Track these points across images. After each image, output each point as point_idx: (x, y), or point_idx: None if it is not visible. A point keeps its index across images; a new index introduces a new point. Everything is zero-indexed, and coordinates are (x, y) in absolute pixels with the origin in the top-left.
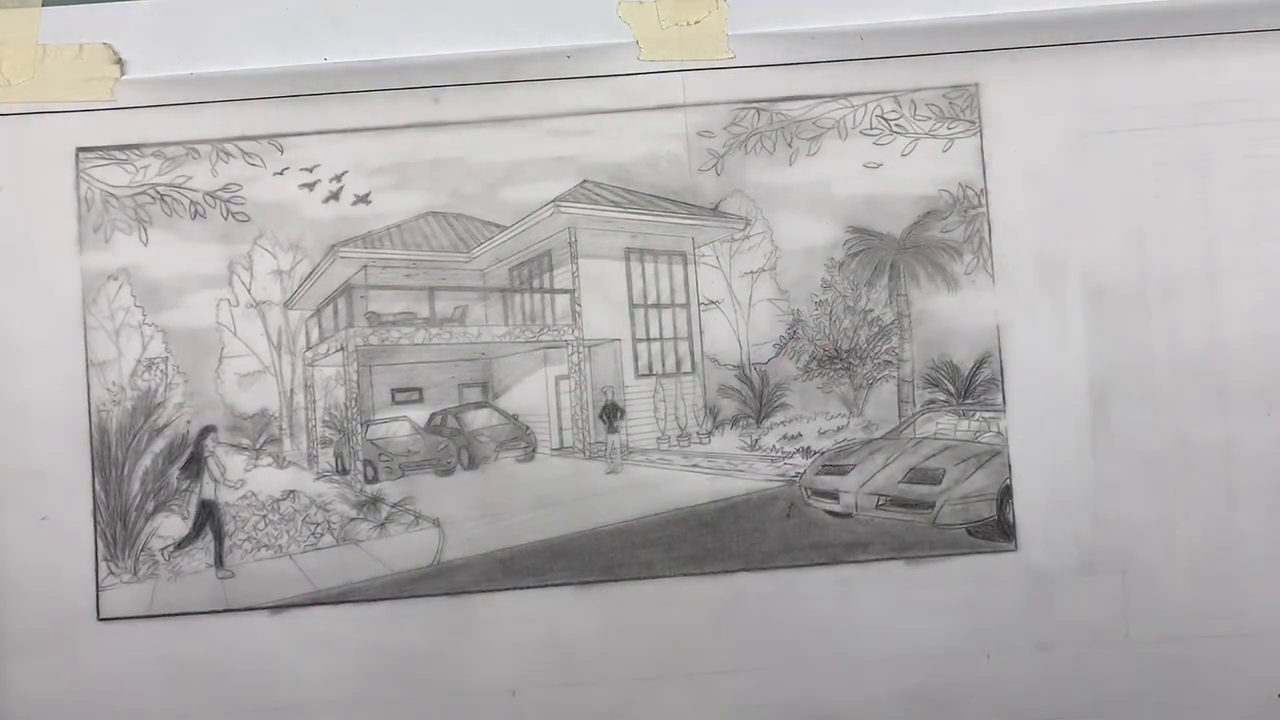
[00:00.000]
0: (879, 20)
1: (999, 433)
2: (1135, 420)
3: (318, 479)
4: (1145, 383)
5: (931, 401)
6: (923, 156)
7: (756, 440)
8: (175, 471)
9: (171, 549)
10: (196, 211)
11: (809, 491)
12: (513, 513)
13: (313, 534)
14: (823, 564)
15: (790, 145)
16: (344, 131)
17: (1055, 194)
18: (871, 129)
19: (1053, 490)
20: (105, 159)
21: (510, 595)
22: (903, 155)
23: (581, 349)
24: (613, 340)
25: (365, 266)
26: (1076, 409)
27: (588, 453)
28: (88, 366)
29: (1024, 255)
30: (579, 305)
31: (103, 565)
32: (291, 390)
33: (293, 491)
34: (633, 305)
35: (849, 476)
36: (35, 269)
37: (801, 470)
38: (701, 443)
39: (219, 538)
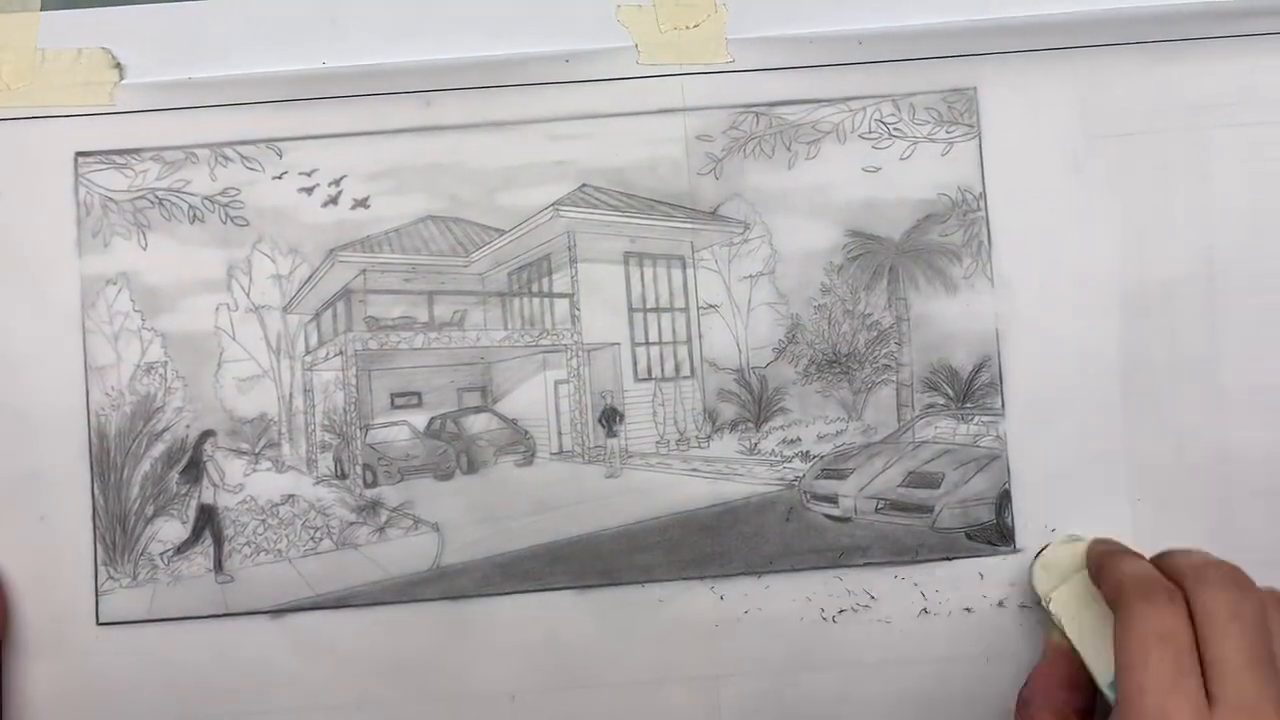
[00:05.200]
0: (877, 24)
1: (998, 437)
2: (1135, 423)
3: (317, 483)
4: (1145, 386)
5: (930, 405)
6: (922, 160)
7: (755, 444)
8: (174, 476)
9: (171, 553)
10: (195, 216)
11: (808, 495)
12: (512, 517)
13: (312, 538)
14: (822, 567)
15: (789, 149)
16: (342, 136)
17: (1054, 197)
18: (870, 133)
19: (1052, 494)
20: (104, 163)
21: (509, 599)
22: (902, 159)
23: (580, 353)
24: (612, 344)
25: (364, 271)
26: (1076, 412)
27: (587, 457)
28: (86, 371)
29: (1023, 259)
30: (578, 309)
31: (102, 569)
32: (290, 395)
33: (292, 496)
34: (632, 309)
35: (848, 481)
36: (34, 274)
37: (801, 474)
38: (700, 447)
39: (218, 542)
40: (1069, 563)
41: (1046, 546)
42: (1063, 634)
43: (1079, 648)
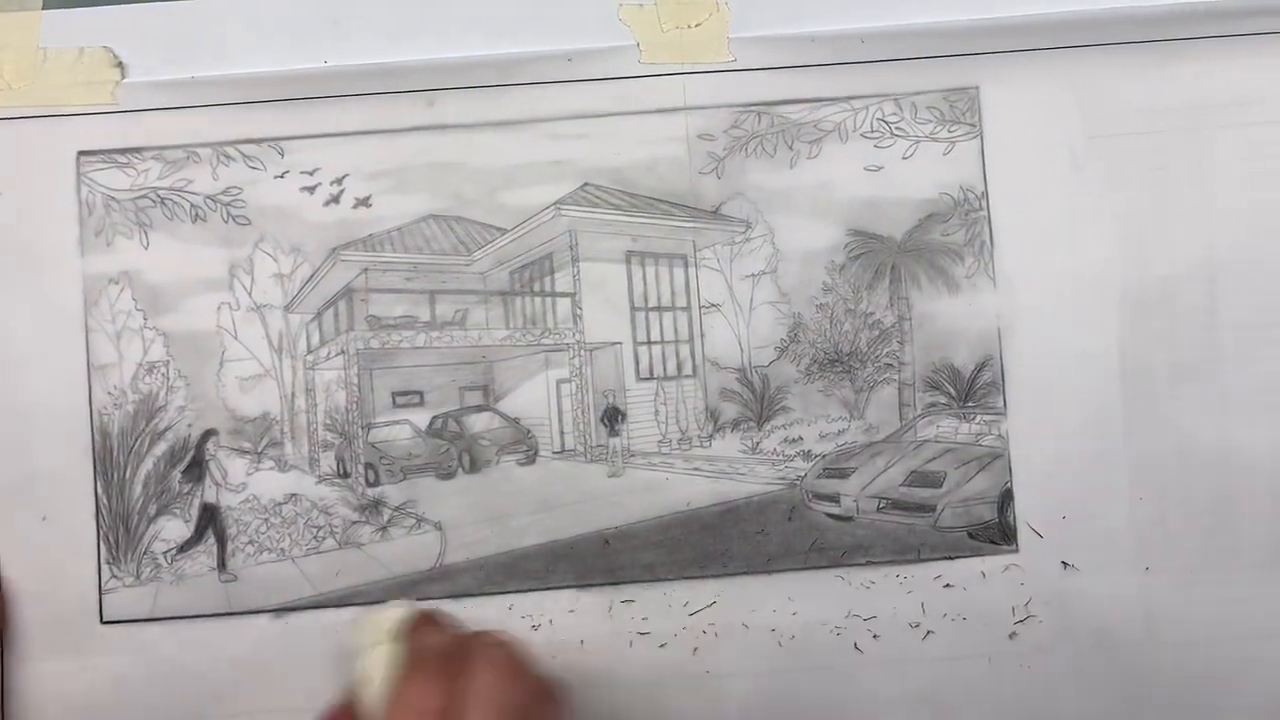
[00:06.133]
0: (879, 23)
1: (1000, 436)
2: (1136, 423)
3: (319, 482)
4: (1145, 385)
5: (932, 405)
6: (924, 159)
7: (757, 443)
8: (177, 475)
9: (174, 552)
10: (197, 215)
11: (810, 495)
12: (514, 516)
13: (314, 537)
14: (824, 567)
15: (791, 148)
16: (344, 135)
17: (1056, 196)
18: (872, 132)
19: (1053, 493)
20: (106, 162)
21: (512, 598)
22: (903, 158)
23: (583, 352)
24: (614, 343)
25: (366, 270)
26: (1077, 412)
27: (589, 456)
28: (89, 370)
29: (1024, 258)
30: (580, 308)
31: (105, 568)
32: (293, 394)
33: (294, 495)
34: (634, 308)
35: (850, 480)
36: (37, 273)
37: (803, 473)
38: (703, 446)
39: (221, 541)
40: (390, 628)
41: (380, 605)
42: (359, 695)
43: (369, 712)
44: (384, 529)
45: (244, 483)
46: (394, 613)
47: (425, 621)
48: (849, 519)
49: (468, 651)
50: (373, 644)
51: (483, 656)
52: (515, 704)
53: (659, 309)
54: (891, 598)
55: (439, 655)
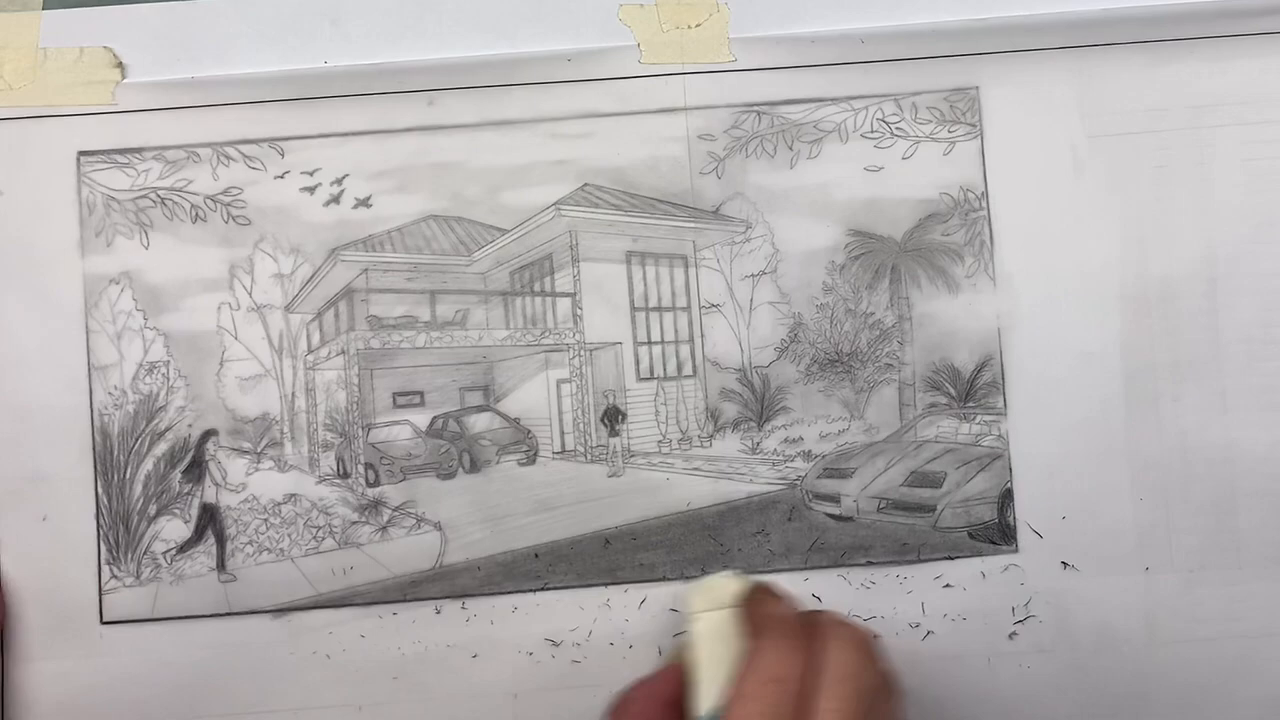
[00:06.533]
0: (880, 23)
1: (1000, 436)
2: (1136, 422)
3: (319, 483)
4: (1146, 385)
5: (933, 405)
6: (924, 159)
7: (758, 444)
8: (177, 475)
9: (174, 552)
10: (197, 215)
11: (810, 495)
12: (514, 516)
13: (314, 537)
14: (824, 567)
15: (791, 148)
16: (345, 135)
17: (1056, 196)
18: (872, 132)
19: (1054, 493)
20: (106, 163)
21: (512, 598)
22: (904, 158)
23: (583, 352)
24: (614, 343)
25: (366, 270)
26: (1078, 412)
27: (589, 456)
28: (89, 370)
29: (1025, 258)
30: (580, 309)
31: (106, 569)
32: (293, 394)
33: (294, 495)
34: (634, 309)
35: (850, 480)
36: (37, 273)
37: (803, 474)
38: (703, 446)
39: (221, 541)
40: (725, 595)
41: (712, 574)
42: (689, 656)
43: (699, 674)
44: (384, 529)
45: (244, 483)
46: (732, 580)
47: (765, 592)
48: (849, 519)
49: (818, 626)
50: (709, 608)
51: (836, 634)
52: (866, 681)
53: (659, 309)
54: (891, 598)
55: (791, 624)
